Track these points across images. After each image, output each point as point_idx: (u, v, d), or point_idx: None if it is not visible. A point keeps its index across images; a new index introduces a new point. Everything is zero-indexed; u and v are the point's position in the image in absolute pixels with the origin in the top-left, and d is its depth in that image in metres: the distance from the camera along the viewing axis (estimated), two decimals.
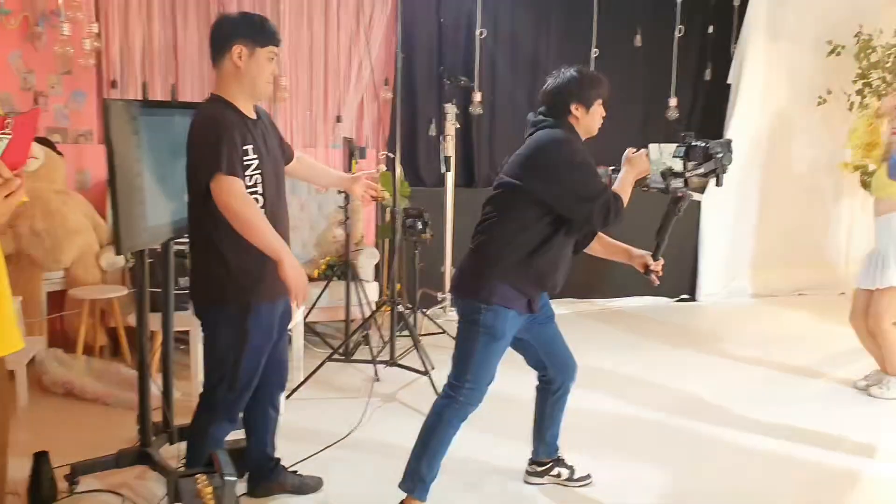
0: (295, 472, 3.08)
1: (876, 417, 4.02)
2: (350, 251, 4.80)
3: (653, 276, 3.00)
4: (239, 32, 2.49)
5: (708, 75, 6.41)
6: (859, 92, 6.15)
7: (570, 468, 3.18)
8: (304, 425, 3.70)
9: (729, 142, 2.87)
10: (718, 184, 2.89)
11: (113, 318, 4.50)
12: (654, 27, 6.17)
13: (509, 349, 2.88)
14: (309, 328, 4.74)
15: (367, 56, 5.37)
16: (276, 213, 2.58)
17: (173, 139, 2.83)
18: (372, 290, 4.88)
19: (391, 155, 5.07)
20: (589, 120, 2.83)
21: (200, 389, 2.74)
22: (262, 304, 2.57)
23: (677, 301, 6.41)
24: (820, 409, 4.10)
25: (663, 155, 2.88)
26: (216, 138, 2.39)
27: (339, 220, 4.75)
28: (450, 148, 5.32)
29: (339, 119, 5.46)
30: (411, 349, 4.37)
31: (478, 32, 5.77)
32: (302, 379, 4.14)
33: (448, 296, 5.61)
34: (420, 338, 5.06)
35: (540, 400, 3.11)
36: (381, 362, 4.24)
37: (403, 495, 2.80)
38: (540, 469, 3.19)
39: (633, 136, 6.32)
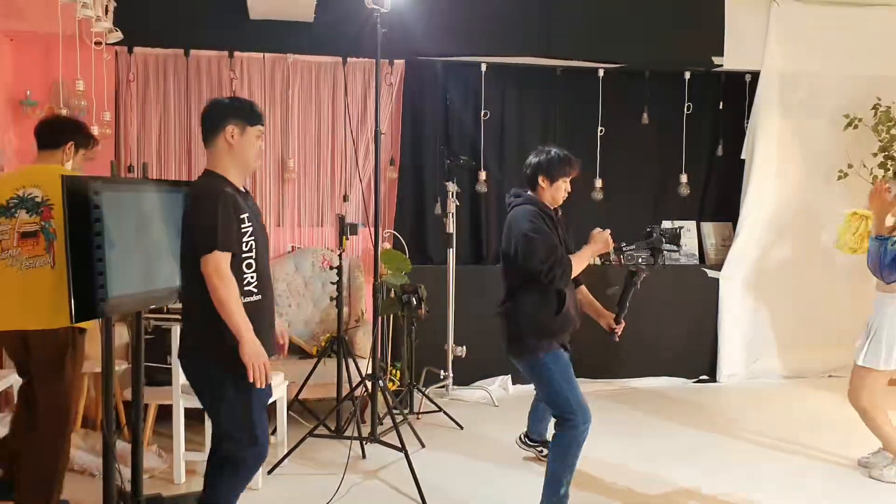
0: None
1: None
2: (348, 327, 4.82)
3: (615, 337, 3.71)
4: (231, 114, 2.84)
5: (720, 151, 6.36)
6: (881, 165, 6.02)
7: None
8: (281, 499, 3.67)
9: (676, 234, 3.66)
10: (656, 262, 3.63)
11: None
12: (663, 105, 6.18)
13: None
14: (301, 404, 4.74)
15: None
16: (265, 276, 2.89)
17: (142, 214, 3.04)
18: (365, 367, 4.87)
19: (394, 233, 5.16)
20: (553, 191, 3.54)
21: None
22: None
23: (696, 382, 6.20)
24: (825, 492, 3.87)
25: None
26: (214, 213, 2.68)
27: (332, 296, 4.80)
28: (450, 225, 5.38)
29: (345, 198, 5.60)
30: (402, 424, 4.33)
31: (482, 114, 5.90)
32: (285, 452, 4.13)
33: (451, 374, 5.57)
34: (418, 416, 5.06)
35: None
36: (364, 438, 4.20)
37: None
38: (530, 443, 4.28)
39: (646, 211, 6.33)
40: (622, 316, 3.68)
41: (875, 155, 6.03)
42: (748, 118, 6.26)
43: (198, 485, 3.78)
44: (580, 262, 3.44)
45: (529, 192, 3.56)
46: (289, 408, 4.45)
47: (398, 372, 5.27)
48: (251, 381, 2.68)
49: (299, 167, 5.58)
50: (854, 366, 4.15)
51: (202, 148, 2.95)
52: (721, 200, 6.46)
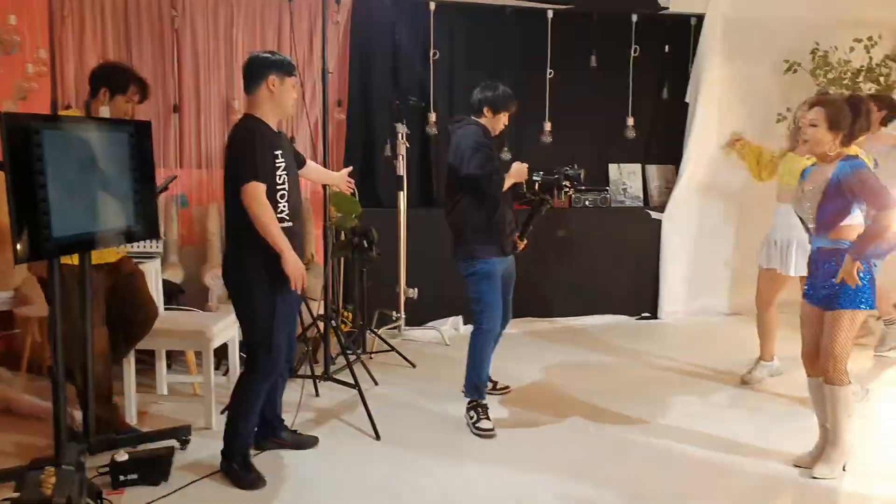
0: (294, 430, 3.71)
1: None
2: None
3: (516, 248, 4.15)
4: (273, 66, 3.19)
5: (665, 94, 6.46)
6: (805, 105, 6.16)
7: (493, 381, 4.46)
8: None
9: (577, 176, 4.08)
10: (553, 197, 4.17)
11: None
12: (610, 48, 6.23)
13: None
14: None
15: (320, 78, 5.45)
16: (296, 205, 3.28)
17: (85, 153, 3.02)
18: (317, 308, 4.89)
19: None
20: (494, 122, 4.01)
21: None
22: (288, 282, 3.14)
23: (638, 319, 6.40)
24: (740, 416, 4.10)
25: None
26: (252, 149, 3.06)
27: None
28: (400, 167, 5.38)
29: (292, 140, 5.54)
30: (355, 363, 4.39)
31: (431, 53, 5.86)
32: None
33: (403, 315, 5.64)
34: (371, 355, 5.14)
35: None
36: (317, 377, 4.26)
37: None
38: None
39: (594, 154, 6.41)
40: (526, 235, 4.17)
41: (812, 97, 6.18)
42: (693, 62, 6.35)
43: (150, 425, 3.83)
44: (505, 181, 3.95)
45: (473, 118, 4.00)
46: (241, 349, 4.46)
47: (350, 314, 5.31)
48: (293, 289, 3.13)
49: (245, 109, 5.47)
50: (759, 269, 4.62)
51: None
52: (666, 143, 6.57)
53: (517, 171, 3.99)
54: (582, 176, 4.06)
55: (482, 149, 3.86)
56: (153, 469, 3.19)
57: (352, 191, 4.16)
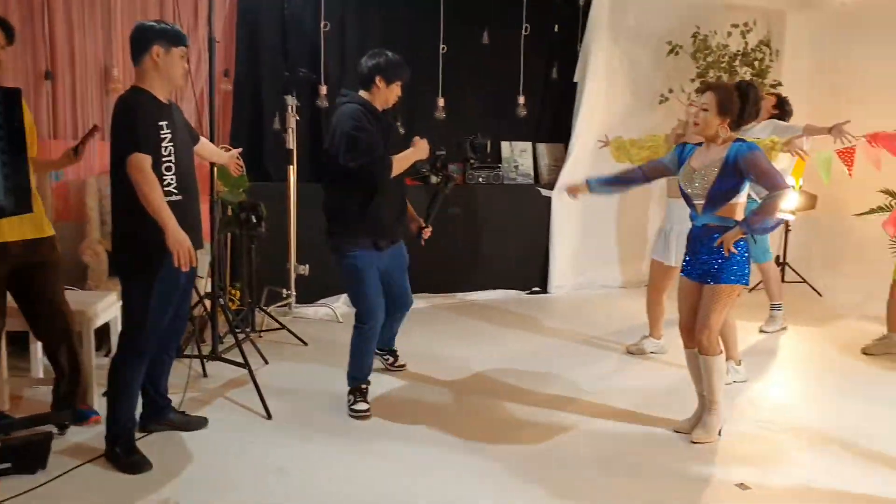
0: (182, 412, 3.60)
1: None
2: None
3: (421, 240, 4.09)
4: (157, 36, 3.07)
5: (555, 74, 6.57)
6: (698, 90, 6.42)
7: (395, 357, 4.46)
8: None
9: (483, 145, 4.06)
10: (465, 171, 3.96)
11: None
12: (502, 25, 6.27)
13: None
14: None
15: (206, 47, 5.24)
16: (186, 179, 3.16)
17: None
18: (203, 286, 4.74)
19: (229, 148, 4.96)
20: (387, 93, 3.75)
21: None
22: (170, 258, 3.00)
23: (529, 293, 6.54)
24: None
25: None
26: (132, 120, 2.97)
27: None
28: (290, 141, 5.26)
29: None
30: (245, 342, 4.29)
31: (322, 25, 5.73)
32: None
33: (293, 292, 5.54)
34: (261, 334, 5.03)
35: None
36: (205, 357, 4.14)
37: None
38: (377, 352, 4.30)
39: (486, 132, 6.40)
40: (430, 221, 4.09)
41: (693, 80, 6.44)
42: (581, 42, 6.48)
43: (24, 410, 3.63)
44: (401, 163, 3.74)
45: (360, 93, 3.76)
46: None
47: (237, 292, 5.17)
48: (176, 265, 2.97)
49: (125, 77, 5.19)
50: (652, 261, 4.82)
51: None
52: (556, 122, 6.70)
53: (421, 149, 3.81)
54: (488, 146, 3.98)
55: (361, 135, 3.59)
56: (28, 456, 3.01)
57: (241, 172, 4.02)
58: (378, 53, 3.76)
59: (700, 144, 3.56)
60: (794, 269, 6.88)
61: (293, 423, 3.69)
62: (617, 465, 3.37)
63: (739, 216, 3.42)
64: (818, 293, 6.62)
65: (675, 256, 4.51)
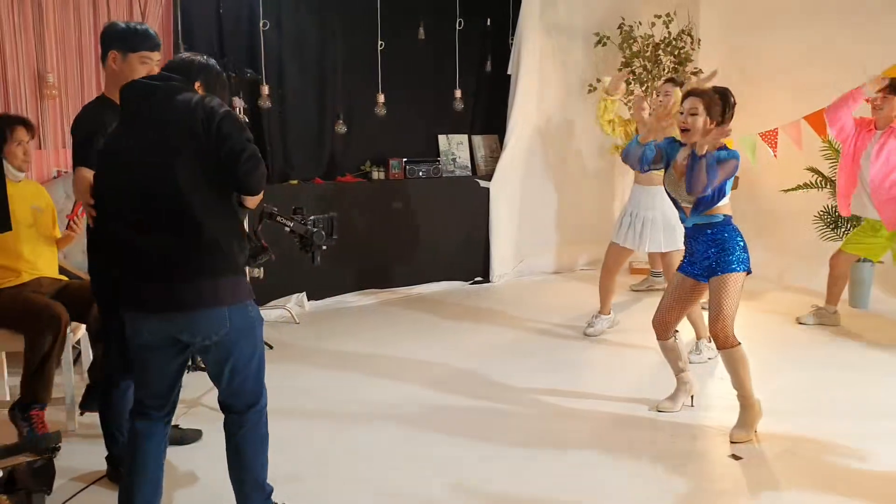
0: (176, 425, 3.36)
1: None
2: None
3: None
4: (113, 40, 2.93)
5: (489, 67, 6.71)
6: (626, 81, 6.71)
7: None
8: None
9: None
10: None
11: None
12: (437, 20, 6.36)
13: None
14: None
15: None
16: None
17: None
18: None
19: None
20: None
21: None
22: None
23: (472, 284, 6.68)
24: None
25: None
26: (86, 134, 2.85)
27: None
28: None
29: None
30: None
31: (261, 24, 5.65)
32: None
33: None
34: None
35: None
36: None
37: None
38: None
39: (423, 127, 6.55)
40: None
41: (620, 69, 6.70)
42: (513, 35, 6.64)
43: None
44: None
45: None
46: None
47: None
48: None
49: (60, 82, 4.98)
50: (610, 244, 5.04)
51: None
52: (490, 114, 6.84)
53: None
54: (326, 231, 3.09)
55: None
56: (37, 481, 2.90)
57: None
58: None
59: (683, 144, 3.59)
60: None
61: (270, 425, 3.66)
62: (609, 446, 3.51)
63: (726, 212, 3.53)
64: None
65: (634, 241, 4.73)
